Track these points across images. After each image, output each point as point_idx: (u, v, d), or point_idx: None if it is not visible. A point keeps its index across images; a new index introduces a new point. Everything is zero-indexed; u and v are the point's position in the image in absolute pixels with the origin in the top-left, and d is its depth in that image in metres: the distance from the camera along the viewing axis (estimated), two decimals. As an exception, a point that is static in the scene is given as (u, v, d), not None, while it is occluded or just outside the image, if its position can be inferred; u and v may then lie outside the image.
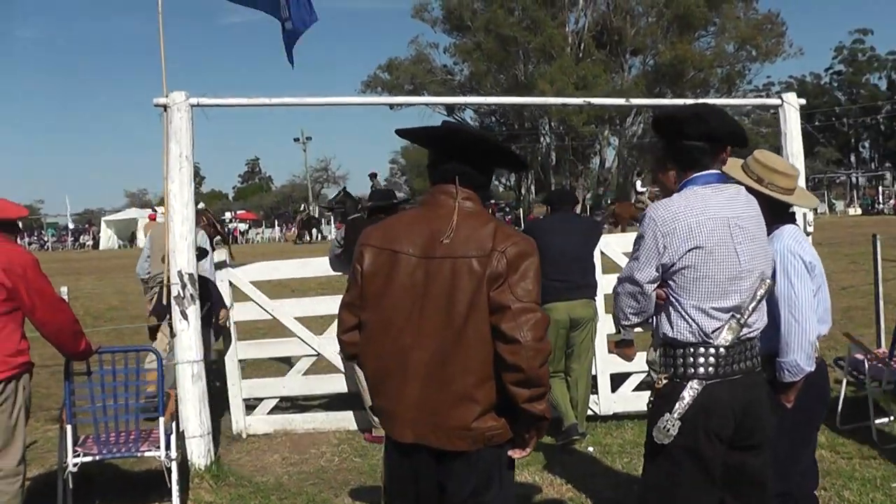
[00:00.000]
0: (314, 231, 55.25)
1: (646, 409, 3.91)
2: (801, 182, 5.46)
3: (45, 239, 71.19)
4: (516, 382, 3.29)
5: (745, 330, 3.71)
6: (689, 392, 3.65)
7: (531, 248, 3.43)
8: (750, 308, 3.71)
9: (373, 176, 35.28)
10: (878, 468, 6.64)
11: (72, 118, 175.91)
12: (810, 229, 7.81)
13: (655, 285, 3.78)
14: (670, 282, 3.73)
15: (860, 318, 12.75)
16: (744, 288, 3.70)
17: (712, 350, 3.66)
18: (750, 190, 4.08)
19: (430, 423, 3.41)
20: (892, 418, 7.73)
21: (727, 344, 3.66)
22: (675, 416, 3.65)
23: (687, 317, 3.68)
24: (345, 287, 3.74)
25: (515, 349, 3.25)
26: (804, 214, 7.61)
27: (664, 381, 3.77)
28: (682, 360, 3.71)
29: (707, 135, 3.76)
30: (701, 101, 5.09)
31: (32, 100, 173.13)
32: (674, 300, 3.73)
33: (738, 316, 3.68)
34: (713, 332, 3.66)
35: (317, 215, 58.30)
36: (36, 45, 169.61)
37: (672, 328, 3.74)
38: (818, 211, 49.34)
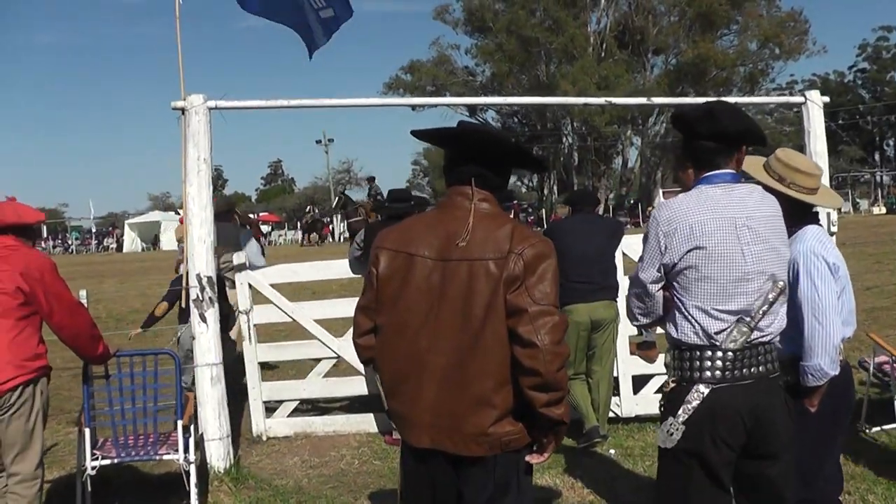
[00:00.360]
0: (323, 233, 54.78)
1: None
2: (825, 181, 5.37)
3: (70, 242, 71.63)
4: (534, 386, 3.24)
5: (756, 333, 3.63)
6: (696, 396, 3.60)
7: (549, 249, 3.38)
8: (761, 311, 3.62)
9: (370, 180, 35.14)
10: (903, 471, 6.55)
11: (95, 122, 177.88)
12: (834, 229, 7.71)
13: (659, 285, 3.74)
14: (674, 282, 3.69)
15: (885, 318, 12.65)
16: (751, 290, 3.61)
17: (719, 353, 3.60)
18: (771, 190, 4.02)
19: (447, 428, 3.36)
20: (917, 420, 7.64)
21: (735, 347, 3.59)
22: (679, 420, 3.61)
23: (690, 318, 3.63)
24: None
25: (533, 353, 3.20)
26: (828, 214, 7.52)
27: (672, 385, 3.73)
28: (689, 363, 3.66)
29: (719, 133, 3.71)
30: (722, 98, 4.99)
31: (56, 105, 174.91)
32: (678, 301, 3.69)
33: (748, 319, 3.60)
34: (717, 333, 3.60)
35: (325, 218, 58.01)
36: (56, 51, 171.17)
37: (676, 329, 3.70)
38: (842, 210, 49.01)
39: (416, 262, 3.44)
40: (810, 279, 4.15)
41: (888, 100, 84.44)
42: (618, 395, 8.30)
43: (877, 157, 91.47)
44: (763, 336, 3.66)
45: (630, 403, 8.34)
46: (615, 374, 8.14)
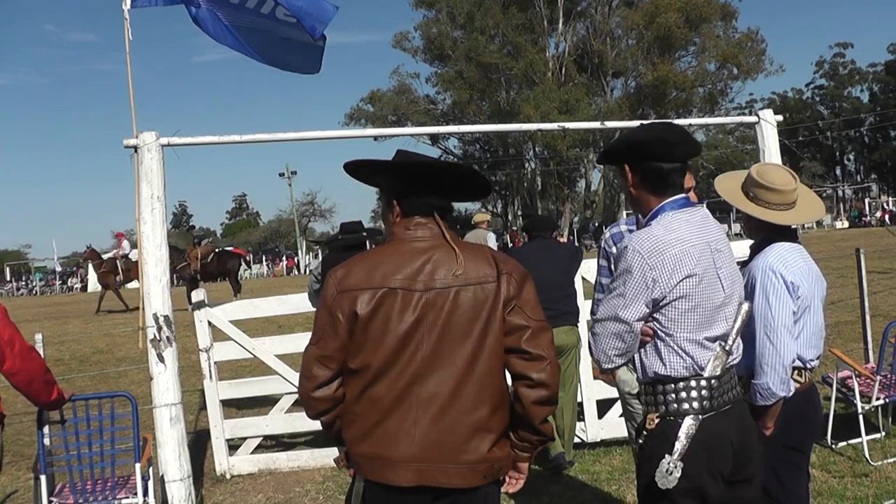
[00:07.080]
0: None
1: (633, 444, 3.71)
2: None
3: (33, 283, 70.99)
4: (540, 400, 3.24)
5: (729, 358, 3.53)
6: (687, 429, 3.43)
7: (526, 270, 3.41)
8: (733, 334, 3.53)
9: (192, 228, 34.64)
10: (870, 486, 6.54)
11: (57, 161, 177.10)
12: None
13: (643, 322, 3.53)
14: (658, 315, 3.49)
15: (849, 332, 12.69)
16: (729, 314, 3.53)
17: (704, 382, 3.45)
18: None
19: (441, 460, 3.22)
20: (883, 434, 7.66)
21: (718, 374, 3.47)
22: (676, 456, 3.39)
23: (680, 351, 3.46)
24: None
25: (542, 366, 3.24)
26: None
27: (656, 420, 3.53)
28: (674, 395, 3.49)
29: (675, 154, 3.62)
30: (678, 119, 4.95)
31: (16, 145, 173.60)
32: (662, 334, 3.50)
33: (724, 343, 3.50)
34: (706, 363, 3.46)
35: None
36: (13, 92, 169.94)
37: (665, 365, 3.50)
38: (805, 226, 49.58)
39: (398, 296, 3.28)
40: (765, 295, 4.08)
41: (846, 115, 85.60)
42: (583, 420, 8.28)
43: (838, 171, 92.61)
44: (734, 360, 3.59)
45: (595, 428, 8.32)
46: (579, 400, 8.12)
